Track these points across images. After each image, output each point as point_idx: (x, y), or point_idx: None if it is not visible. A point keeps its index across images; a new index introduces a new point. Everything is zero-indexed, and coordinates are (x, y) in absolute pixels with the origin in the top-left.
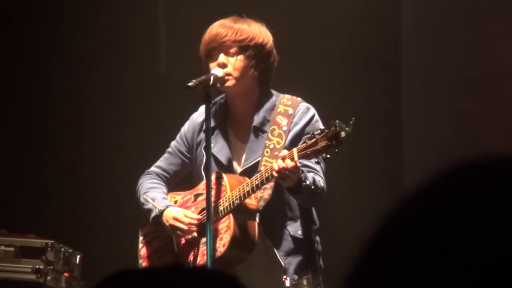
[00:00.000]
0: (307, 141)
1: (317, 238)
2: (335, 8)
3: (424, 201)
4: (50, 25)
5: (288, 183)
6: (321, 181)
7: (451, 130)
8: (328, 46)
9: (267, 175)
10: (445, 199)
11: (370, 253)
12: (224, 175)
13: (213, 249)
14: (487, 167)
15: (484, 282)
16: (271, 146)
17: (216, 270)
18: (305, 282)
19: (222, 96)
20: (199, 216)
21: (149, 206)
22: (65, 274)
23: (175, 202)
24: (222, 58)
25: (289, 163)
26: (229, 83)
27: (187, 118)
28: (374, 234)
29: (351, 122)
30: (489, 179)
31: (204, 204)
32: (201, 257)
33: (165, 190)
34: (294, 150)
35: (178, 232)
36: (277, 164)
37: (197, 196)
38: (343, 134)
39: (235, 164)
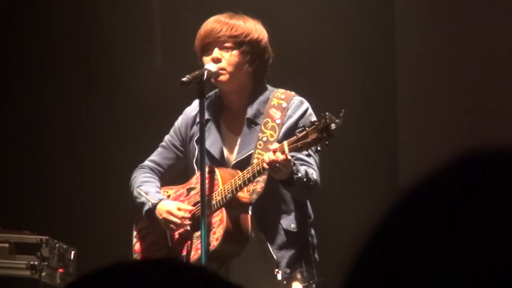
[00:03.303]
0: (297, 134)
1: (312, 231)
2: (333, 7)
3: (423, 198)
4: (45, 21)
5: (280, 175)
6: (314, 174)
7: (446, 128)
8: (324, 44)
9: (258, 168)
10: (444, 195)
11: (368, 252)
12: (216, 169)
13: (207, 243)
14: (487, 162)
15: (484, 282)
16: (264, 139)
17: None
18: (298, 276)
19: (216, 90)
20: (192, 208)
21: (142, 199)
22: (60, 270)
23: (168, 196)
24: (216, 53)
25: (279, 156)
26: (222, 78)
27: (182, 113)
28: (372, 232)
29: (341, 114)
30: (490, 175)
31: (196, 198)
32: (195, 251)
33: (158, 184)
34: (285, 143)
35: (171, 225)
36: (268, 157)
37: (189, 190)
38: (333, 126)
39: (227, 156)
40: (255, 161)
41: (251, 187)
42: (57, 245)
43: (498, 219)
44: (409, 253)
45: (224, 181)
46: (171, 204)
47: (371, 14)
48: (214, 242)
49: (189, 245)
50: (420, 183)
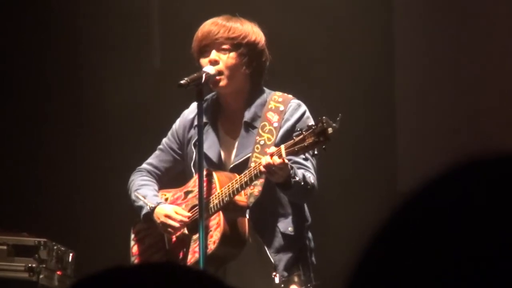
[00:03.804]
0: (294, 137)
1: (309, 234)
2: (331, 9)
3: (424, 202)
4: (44, 21)
5: (277, 179)
6: (311, 178)
7: (445, 130)
8: (322, 46)
9: (255, 171)
10: (444, 199)
11: (369, 256)
12: (213, 172)
13: (204, 246)
14: (488, 166)
15: (485, 284)
16: (262, 142)
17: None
18: (296, 279)
19: (214, 93)
20: (190, 214)
21: (140, 203)
22: (58, 272)
23: (166, 199)
24: (214, 55)
25: (276, 160)
26: (221, 84)
27: (180, 114)
28: (373, 236)
29: (338, 118)
30: (490, 178)
31: (194, 201)
32: (192, 255)
33: (156, 187)
34: (282, 146)
35: (169, 229)
36: (265, 160)
37: (187, 193)
38: (330, 130)
39: (225, 160)
40: (252, 164)
41: (248, 190)
42: (55, 247)
43: (498, 222)
44: (410, 256)
45: (221, 184)
46: (169, 207)
47: (369, 16)
48: (211, 245)
49: (186, 248)
50: (420, 187)
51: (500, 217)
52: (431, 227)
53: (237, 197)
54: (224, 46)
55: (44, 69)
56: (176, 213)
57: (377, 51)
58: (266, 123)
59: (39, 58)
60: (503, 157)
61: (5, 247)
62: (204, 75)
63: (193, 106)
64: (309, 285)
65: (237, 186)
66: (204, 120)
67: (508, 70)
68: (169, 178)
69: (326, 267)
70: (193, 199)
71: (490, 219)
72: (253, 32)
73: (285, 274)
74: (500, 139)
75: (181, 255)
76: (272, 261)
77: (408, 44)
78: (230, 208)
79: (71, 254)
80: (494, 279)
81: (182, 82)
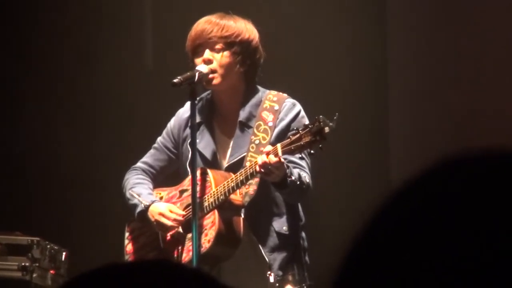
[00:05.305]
0: (291, 136)
1: (303, 234)
2: (324, 7)
3: (413, 196)
4: (38, 22)
5: (273, 178)
6: (306, 177)
7: (437, 127)
8: (316, 44)
9: (251, 170)
10: (434, 193)
11: (357, 251)
12: (209, 171)
13: (198, 245)
14: (477, 162)
15: (474, 282)
16: (257, 142)
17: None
18: (290, 278)
19: (208, 92)
20: (184, 212)
21: (134, 201)
22: (51, 271)
23: (161, 198)
24: (207, 54)
25: (272, 159)
26: (214, 81)
27: (174, 114)
28: (361, 231)
29: (335, 118)
30: (479, 174)
31: (189, 200)
32: (187, 253)
33: (151, 186)
34: (278, 145)
35: (164, 227)
36: (261, 159)
37: (182, 192)
38: (327, 129)
39: (220, 159)
40: (247, 164)
41: (243, 189)
42: (48, 246)
43: (484, 219)
44: (397, 252)
45: (217, 183)
46: (164, 206)
47: (363, 15)
48: (206, 244)
49: (181, 247)
50: (410, 181)
51: (485, 214)
52: (416, 224)
53: (232, 196)
54: (218, 46)
55: (38, 69)
56: (171, 211)
57: (371, 50)
58: (261, 122)
59: (31, 58)
60: (490, 154)
61: None
62: (197, 74)
63: (188, 105)
64: (303, 284)
65: (232, 185)
66: (199, 119)
67: (504, 70)
68: (164, 177)
69: (319, 267)
70: (188, 197)
71: (475, 216)
72: (246, 29)
73: (280, 273)
74: (494, 140)
75: (175, 253)
76: (267, 260)
77: (402, 43)
78: (225, 207)
79: (64, 253)
80: (488, 277)
81: (175, 80)
